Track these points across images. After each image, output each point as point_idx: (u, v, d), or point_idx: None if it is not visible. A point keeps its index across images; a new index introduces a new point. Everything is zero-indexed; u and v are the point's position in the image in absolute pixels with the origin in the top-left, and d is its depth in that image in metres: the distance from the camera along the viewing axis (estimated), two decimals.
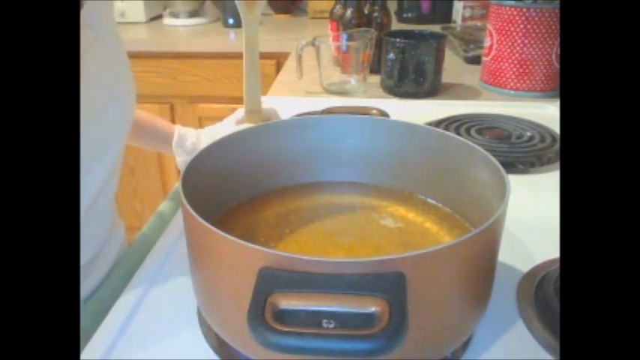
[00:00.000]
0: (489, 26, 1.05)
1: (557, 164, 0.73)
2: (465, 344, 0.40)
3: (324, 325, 0.29)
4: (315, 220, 0.50)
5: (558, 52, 1.00)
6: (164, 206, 0.68)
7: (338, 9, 1.15)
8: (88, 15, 0.47)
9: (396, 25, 1.51)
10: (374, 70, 1.10)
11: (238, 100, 0.70)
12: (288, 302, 0.29)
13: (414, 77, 1.01)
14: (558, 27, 0.97)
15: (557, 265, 0.48)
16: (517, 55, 1.01)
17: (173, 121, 1.60)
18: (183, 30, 1.70)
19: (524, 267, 0.50)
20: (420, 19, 1.72)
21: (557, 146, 0.76)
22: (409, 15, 1.74)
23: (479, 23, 1.53)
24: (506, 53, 1.02)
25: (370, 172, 0.55)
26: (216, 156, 0.48)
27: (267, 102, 0.74)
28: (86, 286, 0.54)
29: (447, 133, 0.50)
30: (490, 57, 1.06)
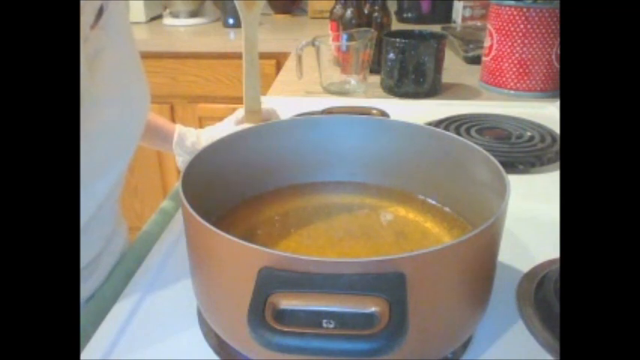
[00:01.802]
0: (489, 26, 1.05)
1: (557, 164, 0.73)
2: (465, 344, 0.40)
3: (324, 325, 0.29)
4: (315, 220, 0.50)
5: (558, 52, 1.00)
6: (166, 204, 0.68)
7: (338, 9, 1.15)
8: (106, 20, 0.47)
9: (396, 25, 1.51)
10: (374, 70, 1.10)
11: (238, 100, 0.70)
12: (288, 302, 0.29)
13: (414, 77, 1.01)
14: (558, 27, 0.97)
15: (557, 265, 0.48)
16: (517, 55, 1.01)
17: (173, 121, 1.58)
18: (183, 30, 1.70)
19: (524, 267, 0.50)
20: (420, 19, 1.72)
21: (557, 146, 0.76)
22: (409, 15, 1.74)
23: (479, 23, 1.53)
24: (506, 53, 1.02)
25: (370, 172, 0.55)
26: (216, 156, 0.48)
27: (267, 102, 0.74)
28: (88, 287, 0.54)
29: (447, 133, 0.50)
30: (490, 57, 1.06)
